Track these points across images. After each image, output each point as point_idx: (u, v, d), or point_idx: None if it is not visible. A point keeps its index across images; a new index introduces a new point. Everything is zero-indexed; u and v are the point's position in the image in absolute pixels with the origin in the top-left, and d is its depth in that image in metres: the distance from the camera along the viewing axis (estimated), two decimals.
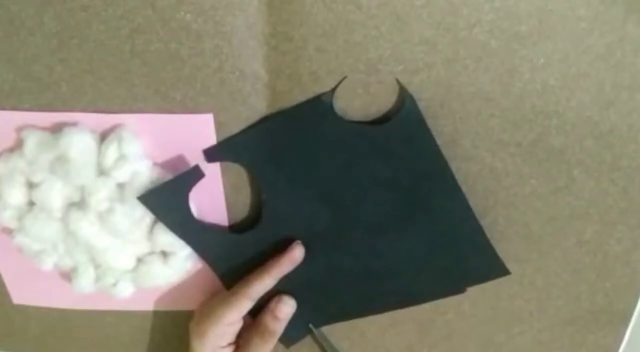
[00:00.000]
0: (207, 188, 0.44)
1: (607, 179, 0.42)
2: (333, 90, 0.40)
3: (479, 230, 0.43)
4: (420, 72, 0.39)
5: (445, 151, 0.41)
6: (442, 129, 0.40)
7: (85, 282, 0.46)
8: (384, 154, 0.41)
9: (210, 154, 0.43)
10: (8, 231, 0.46)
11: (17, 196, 0.43)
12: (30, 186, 0.43)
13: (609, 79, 0.38)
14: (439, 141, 0.40)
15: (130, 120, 0.42)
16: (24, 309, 0.52)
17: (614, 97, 0.39)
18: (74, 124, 0.42)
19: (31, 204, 0.44)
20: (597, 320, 0.47)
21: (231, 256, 0.46)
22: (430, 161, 0.41)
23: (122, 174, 0.42)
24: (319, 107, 0.40)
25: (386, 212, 0.43)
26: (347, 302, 0.48)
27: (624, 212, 0.43)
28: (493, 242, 0.44)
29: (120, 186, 0.42)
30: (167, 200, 0.42)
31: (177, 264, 0.45)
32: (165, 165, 0.43)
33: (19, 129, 0.43)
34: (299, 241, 0.45)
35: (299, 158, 0.42)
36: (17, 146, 0.43)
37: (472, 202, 0.42)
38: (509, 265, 0.45)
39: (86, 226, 0.43)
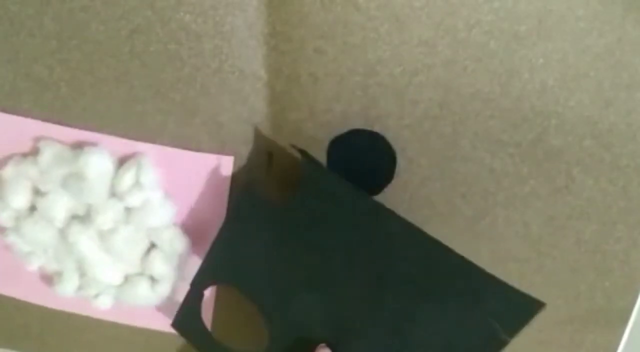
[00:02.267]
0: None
1: (606, 178, 0.42)
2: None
3: (480, 276, 0.39)
4: (419, 73, 0.39)
5: (445, 152, 0.41)
6: (441, 130, 0.40)
7: (69, 288, 0.46)
8: (333, 230, 0.40)
9: (195, 284, 0.44)
10: (1, 229, 0.46)
11: (20, 199, 0.43)
12: (36, 192, 0.44)
13: (608, 79, 0.38)
14: (438, 143, 0.40)
15: (150, 150, 0.43)
16: (25, 308, 0.52)
17: (613, 96, 0.39)
18: (94, 144, 0.43)
19: (32, 209, 0.44)
20: (597, 319, 0.47)
21: None
22: (370, 219, 0.39)
23: (133, 200, 0.43)
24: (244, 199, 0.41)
25: (376, 297, 0.41)
26: None
27: (623, 212, 0.43)
28: (492, 242, 0.44)
29: (128, 210, 0.43)
30: (189, 325, 0.45)
31: (162, 290, 0.46)
32: (176, 198, 0.44)
33: (37, 139, 0.43)
34: (322, 344, 0.42)
35: (259, 259, 0.42)
36: (31, 154, 0.44)
37: (472, 203, 0.42)
38: (509, 265, 0.45)
39: (85, 239, 0.43)
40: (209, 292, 0.46)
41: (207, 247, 0.44)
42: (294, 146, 0.42)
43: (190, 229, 0.45)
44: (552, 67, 0.38)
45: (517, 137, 0.41)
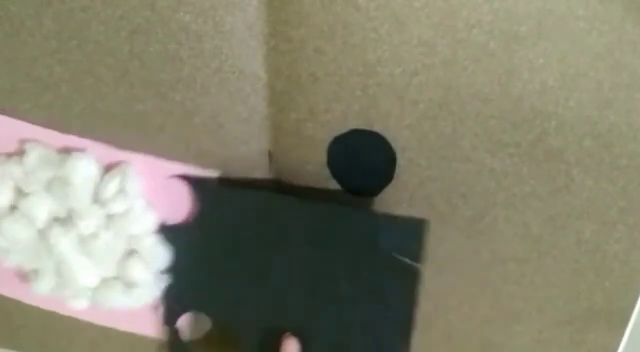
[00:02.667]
0: None
1: (606, 178, 0.42)
2: None
3: (366, 216, 0.42)
4: (419, 73, 0.39)
5: (445, 152, 0.41)
6: (441, 130, 0.40)
7: (44, 286, 0.46)
8: (244, 230, 0.43)
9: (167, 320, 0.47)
10: None
11: (1, 198, 0.44)
12: (19, 192, 0.44)
13: (608, 79, 0.38)
14: (438, 143, 0.40)
15: (136, 159, 0.43)
16: (25, 308, 0.52)
17: (612, 96, 0.39)
18: (82, 150, 0.43)
19: (13, 207, 0.44)
20: (597, 319, 0.47)
21: None
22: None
23: (116, 207, 0.43)
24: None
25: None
26: None
27: (623, 212, 0.43)
28: (492, 242, 0.44)
29: (110, 216, 0.43)
30: None
31: (138, 296, 0.46)
32: (158, 207, 0.45)
33: (23, 141, 0.44)
34: (287, 334, 0.45)
35: (205, 278, 0.46)
36: (17, 154, 0.44)
37: (472, 203, 0.42)
38: (509, 265, 0.45)
39: (65, 242, 0.43)
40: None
41: None
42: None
43: None
44: (552, 67, 0.38)
45: (517, 138, 0.41)
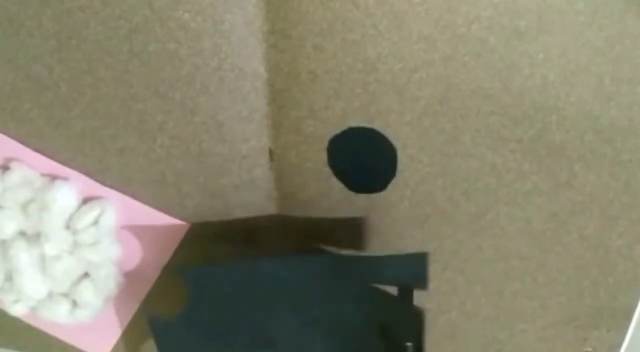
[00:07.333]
0: None
1: (608, 173, 0.42)
2: None
3: (367, 261, 0.41)
4: (419, 70, 0.39)
5: (446, 149, 0.41)
6: (442, 127, 0.40)
7: None
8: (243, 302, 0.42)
9: None
10: None
11: None
12: None
13: (609, 73, 0.38)
14: (439, 139, 0.40)
15: (116, 196, 0.44)
16: None
17: (614, 91, 0.39)
18: (65, 179, 0.44)
19: None
20: (601, 315, 0.47)
21: None
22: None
23: (85, 238, 0.44)
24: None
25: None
26: None
27: (626, 207, 0.43)
28: (495, 239, 0.44)
29: (77, 244, 0.44)
30: None
31: (81, 316, 0.46)
32: (125, 243, 0.46)
33: (10, 159, 0.44)
34: None
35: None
36: (1, 169, 0.44)
37: (473, 200, 0.42)
38: (511, 262, 0.45)
39: (25, 256, 0.44)
40: None
41: (137, 292, 0.45)
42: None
43: (127, 272, 0.46)
44: (552, 62, 0.38)
45: (519, 133, 0.41)
